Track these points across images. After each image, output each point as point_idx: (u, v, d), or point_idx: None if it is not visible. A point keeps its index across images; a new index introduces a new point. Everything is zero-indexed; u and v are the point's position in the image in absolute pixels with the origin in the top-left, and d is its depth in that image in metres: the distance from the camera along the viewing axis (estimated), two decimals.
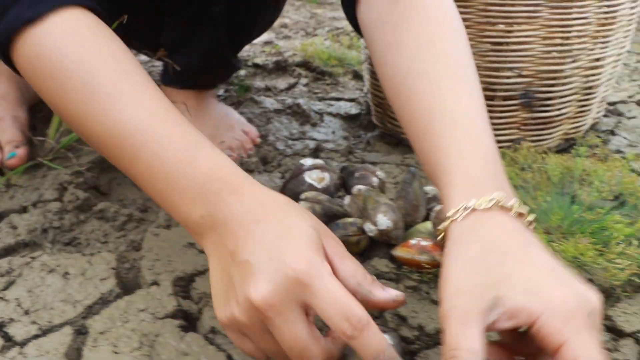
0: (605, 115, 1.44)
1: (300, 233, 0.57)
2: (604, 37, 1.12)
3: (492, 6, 1.04)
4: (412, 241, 0.81)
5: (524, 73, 1.08)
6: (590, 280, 0.79)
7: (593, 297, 0.52)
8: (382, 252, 0.86)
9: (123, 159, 0.65)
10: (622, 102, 1.56)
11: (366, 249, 0.86)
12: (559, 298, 0.50)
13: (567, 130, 1.20)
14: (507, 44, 1.07)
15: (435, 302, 0.78)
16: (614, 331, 0.73)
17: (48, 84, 0.67)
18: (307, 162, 0.95)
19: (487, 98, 1.07)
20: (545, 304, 0.49)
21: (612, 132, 1.34)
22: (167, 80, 1.25)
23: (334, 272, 0.56)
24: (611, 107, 1.50)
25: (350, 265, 0.58)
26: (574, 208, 0.88)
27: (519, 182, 0.94)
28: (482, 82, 1.06)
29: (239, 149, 1.22)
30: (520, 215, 0.57)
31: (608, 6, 1.09)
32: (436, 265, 0.80)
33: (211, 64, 1.21)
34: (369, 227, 0.83)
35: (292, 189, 0.94)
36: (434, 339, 0.73)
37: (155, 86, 0.68)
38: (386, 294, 0.58)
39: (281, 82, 1.71)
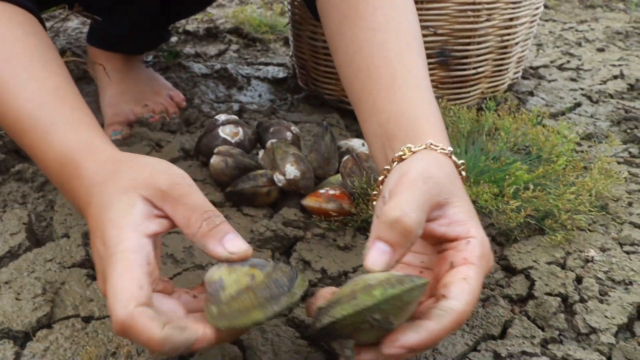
0: (526, 78, 1.48)
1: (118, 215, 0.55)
2: None
3: None
4: (321, 190, 0.83)
5: (439, 31, 1.10)
6: (491, 225, 0.83)
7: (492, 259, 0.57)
8: (294, 203, 0.87)
9: (18, 139, 0.67)
10: (544, 66, 1.60)
11: (277, 199, 0.88)
12: (483, 235, 0.56)
13: (484, 89, 1.23)
14: (422, 2, 1.08)
15: (341, 248, 0.80)
16: (507, 269, 0.76)
17: None
18: (221, 117, 0.96)
19: None
20: (478, 233, 0.55)
21: (531, 94, 1.38)
22: (93, 40, 1.24)
23: (173, 219, 0.56)
24: (533, 71, 1.54)
25: (184, 213, 0.55)
26: (481, 159, 0.91)
27: None
28: None
29: (163, 113, 1.22)
30: (455, 164, 0.62)
31: None
32: (344, 214, 0.82)
33: (141, 31, 1.21)
34: (277, 178, 0.84)
35: (206, 143, 0.95)
36: (337, 282, 0.75)
37: (42, 66, 0.67)
38: (218, 249, 0.55)
39: (212, 49, 1.71)
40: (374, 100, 0.69)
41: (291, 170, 0.83)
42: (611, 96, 1.39)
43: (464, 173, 0.63)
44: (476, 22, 1.12)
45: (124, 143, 1.08)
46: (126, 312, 0.49)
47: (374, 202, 0.66)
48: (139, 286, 0.50)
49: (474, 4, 1.10)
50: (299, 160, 0.84)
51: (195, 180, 0.97)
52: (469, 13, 1.11)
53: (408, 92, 0.68)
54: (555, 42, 1.81)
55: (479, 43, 1.15)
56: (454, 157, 0.61)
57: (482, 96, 1.24)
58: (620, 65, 1.59)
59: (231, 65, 1.54)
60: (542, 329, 0.66)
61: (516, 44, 1.23)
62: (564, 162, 0.84)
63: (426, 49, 1.11)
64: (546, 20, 2.04)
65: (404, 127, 0.65)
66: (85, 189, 0.58)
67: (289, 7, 1.27)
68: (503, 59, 1.23)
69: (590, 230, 0.82)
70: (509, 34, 1.20)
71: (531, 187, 0.80)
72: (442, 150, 0.60)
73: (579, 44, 1.79)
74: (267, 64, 1.57)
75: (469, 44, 1.14)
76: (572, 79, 1.50)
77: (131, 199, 0.55)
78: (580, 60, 1.64)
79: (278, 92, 1.40)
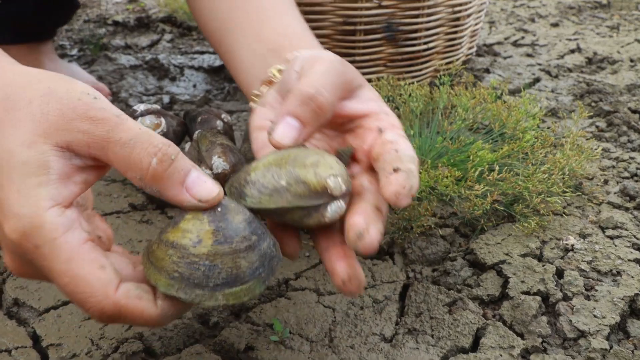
0: (480, 55, 1.39)
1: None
2: None
3: None
4: None
5: (384, 3, 0.99)
6: (453, 214, 0.72)
7: None
8: None
9: None
10: (499, 43, 1.51)
11: None
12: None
13: (437, 66, 1.12)
14: None
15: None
16: (475, 265, 0.65)
17: None
18: (140, 107, 0.83)
19: (348, 33, 0.99)
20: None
21: (487, 71, 1.29)
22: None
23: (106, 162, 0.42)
24: (487, 48, 1.45)
25: (121, 152, 0.42)
26: (437, 140, 0.80)
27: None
28: (341, 16, 0.96)
29: None
30: None
31: None
32: None
33: (48, 3, 1.06)
34: (208, 166, 0.72)
35: None
36: (277, 290, 0.63)
37: None
38: (182, 195, 0.42)
39: (143, 40, 1.57)
40: (249, 26, 0.64)
41: (219, 163, 0.71)
42: (570, 70, 1.31)
43: None
44: None
45: None
46: (110, 302, 0.41)
47: (255, 99, 0.58)
48: (100, 266, 0.41)
49: None
50: (228, 151, 0.72)
51: (114, 181, 0.85)
52: None
53: (285, 15, 0.66)
54: (507, 19, 1.72)
55: (428, 15, 1.04)
56: None
57: (435, 74, 1.13)
58: (576, 39, 1.51)
59: (163, 56, 1.41)
60: (522, 336, 0.55)
61: (468, 16, 1.13)
62: (532, 138, 0.74)
63: (371, 23, 0.99)
64: None
65: (290, 38, 0.62)
66: None
67: None
68: (456, 32, 1.12)
69: (565, 214, 0.72)
70: (460, 4, 1.09)
71: (497, 168, 0.70)
72: None
73: (532, 20, 1.70)
74: (202, 52, 1.44)
75: (417, 16, 1.03)
76: (529, 55, 1.41)
77: (41, 156, 0.40)
78: (535, 36, 1.55)
79: (214, 81, 1.28)
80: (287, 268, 0.66)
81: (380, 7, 0.99)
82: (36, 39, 1.10)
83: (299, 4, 0.94)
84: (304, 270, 0.66)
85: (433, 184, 0.68)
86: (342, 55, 0.98)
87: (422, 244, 0.68)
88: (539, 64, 1.34)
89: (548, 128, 0.95)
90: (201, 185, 0.43)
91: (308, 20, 0.96)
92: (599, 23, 1.66)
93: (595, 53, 1.40)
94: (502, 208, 0.70)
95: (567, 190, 0.71)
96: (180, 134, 0.85)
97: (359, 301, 0.60)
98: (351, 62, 0.99)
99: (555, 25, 1.65)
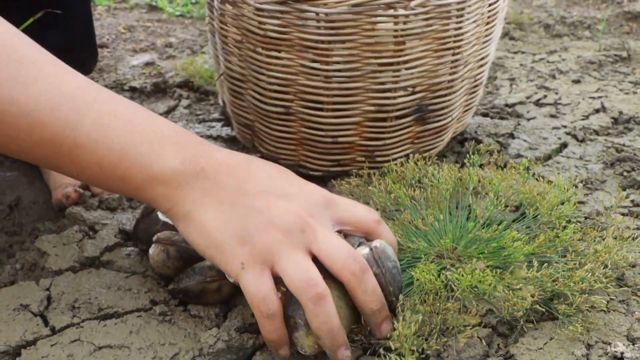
0: (503, 118, 1.36)
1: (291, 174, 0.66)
2: (487, 35, 1.02)
3: (380, 24, 0.88)
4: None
5: (417, 89, 0.95)
6: (491, 311, 0.68)
7: None
8: None
9: (56, 129, 0.57)
10: (521, 102, 1.49)
11: (231, 295, 0.73)
12: None
13: (454, 131, 1.11)
14: (398, 63, 0.92)
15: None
16: None
17: None
18: (161, 216, 0.80)
19: (379, 120, 0.95)
20: None
21: (511, 135, 1.26)
22: None
23: None
24: (509, 109, 1.42)
25: None
26: (469, 226, 0.77)
27: (407, 201, 0.83)
28: (373, 105, 0.94)
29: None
30: None
31: (491, 3, 0.99)
32: None
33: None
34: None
35: (144, 229, 0.80)
36: None
37: None
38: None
39: (160, 106, 1.56)
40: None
41: None
42: (597, 132, 1.28)
43: None
44: (455, 72, 0.98)
45: (58, 228, 0.93)
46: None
47: None
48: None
49: (453, 54, 0.96)
50: None
51: (134, 273, 0.82)
52: (449, 64, 0.97)
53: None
54: (528, 76, 1.70)
55: (454, 92, 1.02)
56: None
57: (451, 137, 1.12)
58: (599, 97, 1.48)
59: (181, 124, 1.39)
60: None
61: (481, 83, 1.11)
62: (571, 232, 0.70)
63: (402, 108, 0.96)
64: (515, 53, 1.93)
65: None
66: None
67: (221, 51, 1.06)
68: (472, 98, 1.11)
69: (608, 310, 0.68)
70: (479, 74, 1.08)
71: (535, 264, 0.66)
72: None
73: (553, 76, 1.68)
74: (220, 120, 1.42)
75: (446, 95, 1.00)
76: (552, 115, 1.39)
77: None
78: (557, 94, 1.53)
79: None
80: None
81: (413, 93, 0.96)
82: None
83: (332, 95, 0.93)
84: None
85: (475, 282, 0.65)
86: (370, 139, 0.98)
87: (458, 345, 0.64)
88: (564, 126, 1.31)
89: (585, 219, 0.90)
90: None
91: (336, 110, 0.95)
92: (621, 79, 1.64)
93: (620, 112, 1.37)
94: (542, 307, 0.67)
95: (610, 285, 0.68)
96: None
97: None
98: (380, 145, 0.97)
99: (576, 81, 1.63)
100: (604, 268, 0.68)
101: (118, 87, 1.67)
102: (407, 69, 0.92)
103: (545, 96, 1.51)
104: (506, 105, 1.46)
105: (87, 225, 0.92)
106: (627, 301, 0.70)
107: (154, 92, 1.65)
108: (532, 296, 0.63)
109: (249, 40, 0.95)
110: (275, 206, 0.59)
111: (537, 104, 1.47)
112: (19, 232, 0.97)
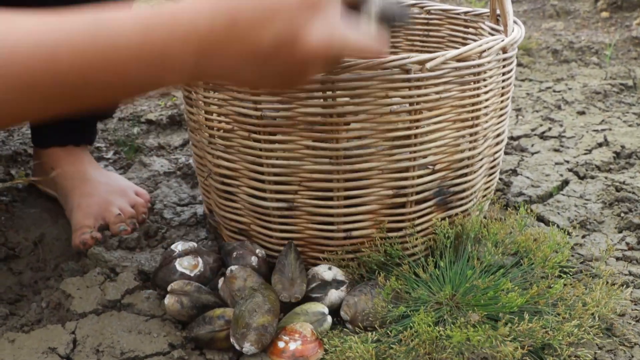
0: (508, 153, 1.40)
1: None
2: (502, 109, 0.96)
3: (393, 91, 0.79)
4: (280, 344, 0.73)
5: (437, 167, 0.87)
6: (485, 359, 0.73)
7: None
8: None
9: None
10: (526, 135, 1.53)
11: None
12: None
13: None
14: (415, 135, 0.83)
15: None
16: None
17: None
18: (178, 247, 0.86)
19: (398, 206, 0.87)
20: None
21: (514, 172, 1.31)
22: (40, 137, 1.16)
23: None
24: (514, 142, 1.47)
25: None
26: (467, 273, 0.82)
27: (410, 249, 0.88)
28: (391, 188, 0.86)
29: (133, 218, 1.11)
30: None
31: (504, 72, 0.93)
32: None
33: None
34: (239, 345, 0.75)
35: (162, 277, 0.85)
36: None
37: None
38: None
39: (175, 139, 1.62)
40: None
41: (248, 348, 0.74)
42: (598, 169, 1.32)
43: None
44: (474, 148, 0.91)
45: (80, 268, 0.99)
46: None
47: None
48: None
49: (472, 126, 0.88)
50: (262, 329, 0.74)
51: (153, 316, 0.88)
52: (467, 137, 0.90)
53: None
54: (534, 107, 1.75)
55: (475, 172, 0.93)
56: None
57: None
58: (603, 130, 1.52)
59: None
60: None
61: (498, 164, 1.04)
62: (561, 287, 0.75)
63: (423, 191, 0.88)
64: (522, 80, 1.98)
65: None
66: None
67: (208, 148, 0.93)
68: (490, 181, 1.03)
69: None
70: (497, 151, 1.00)
71: (527, 317, 0.71)
72: None
73: (559, 107, 1.72)
74: None
75: (467, 174, 0.92)
76: (556, 150, 1.43)
77: None
78: (561, 126, 1.57)
79: None
80: None
81: (433, 172, 0.87)
82: (82, 140, 1.16)
83: (342, 180, 0.83)
84: None
85: (466, 339, 0.69)
86: (389, 230, 0.87)
87: None
88: (567, 162, 1.35)
89: (582, 263, 0.95)
90: None
91: (349, 198, 0.85)
92: (626, 110, 1.68)
93: (622, 147, 1.41)
94: (532, 358, 0.71)
95: (597, 337, 0.72)
96: (216, 269, 0.88)
97: None
98: (401, 236, 0.89)
99: (581, 113, 1.67)
100: (592, 320, 0.73)
101: (135, 119, 1.74)
102: (424, 142, 0.84)
103: (550, 128, 1.56)
104: (511, 138, 1.50)
105: (108, 267, 0.98)
106: (615, 351, 0.74)
107: (169, 124, 1.71)
108: (523, 347, 0.68)
109: (241, 127, 0.85)
110: None
111: (542, 136, 1.52)
112: (43, 267, 1.03)
